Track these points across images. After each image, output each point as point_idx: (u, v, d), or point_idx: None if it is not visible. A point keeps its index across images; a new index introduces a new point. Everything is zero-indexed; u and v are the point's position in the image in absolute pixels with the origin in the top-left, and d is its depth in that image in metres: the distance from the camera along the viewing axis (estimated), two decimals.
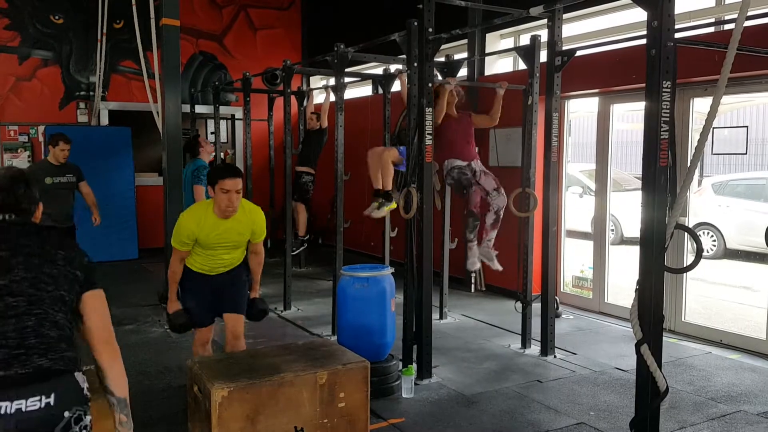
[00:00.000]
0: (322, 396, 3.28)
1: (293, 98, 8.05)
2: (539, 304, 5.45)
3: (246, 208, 3.97)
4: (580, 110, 8.68)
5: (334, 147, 6.04)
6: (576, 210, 8.91)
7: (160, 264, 7.09)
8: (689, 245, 5.96)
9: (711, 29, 5.33)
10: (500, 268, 6.05)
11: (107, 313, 2.17)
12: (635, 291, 3.08)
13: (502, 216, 5.91)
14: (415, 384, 4.63)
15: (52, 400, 1.88)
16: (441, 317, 6.50)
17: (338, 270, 5.49)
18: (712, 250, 9.63)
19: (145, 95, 7.45)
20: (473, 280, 7.79)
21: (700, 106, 5.88)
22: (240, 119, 10.87)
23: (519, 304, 5.67)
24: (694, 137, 5.82)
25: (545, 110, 5.32)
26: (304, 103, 9.22)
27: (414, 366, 4.75)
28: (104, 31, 9.18)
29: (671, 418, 4.10)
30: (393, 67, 7.13)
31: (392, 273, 4.88)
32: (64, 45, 10.20)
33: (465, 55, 7.88)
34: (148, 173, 10.81)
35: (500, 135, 7.37)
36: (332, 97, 7.04)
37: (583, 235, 8.35)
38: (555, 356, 5.38)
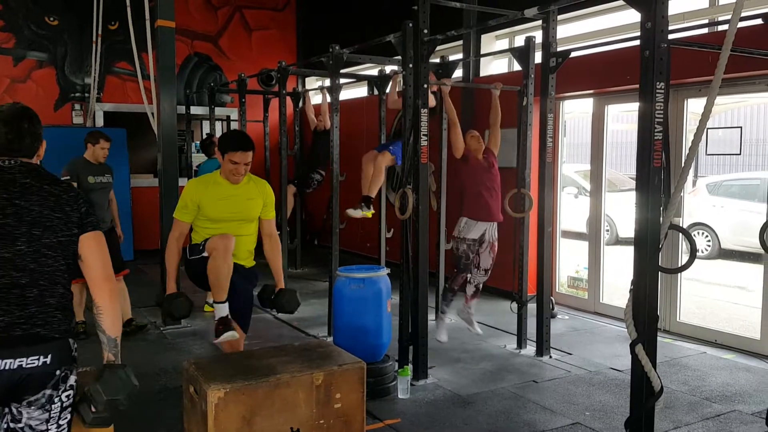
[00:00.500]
0: (318, 397, 3.28)
1: (289, 99, 8.05)
2: (535, 305, 5.47)
3: (254, 180, 3.89)
4: (575, 111, 8.71)
5: (330, 148, 6.04)
6: (571, 210, 8.93)
7: (156, 265, 7.08)
8: (683, 245, 5.99)
9: (705, 30, 5.36)
10: (480, 332, 5.77)
11: (106, 253, 2.30)
12: (630, 291, 3.08)
13: (481, 289, 5.73)
14: (411, 384, 4.64)
15: (48, 359, 2.11)
16: (437, 318, 6.50)
17: (334, 271, 5.50)
18: (706, 250, 9.66)
19: (140, 96, 7.45)
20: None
21: (694, 106, 5.91)
22: (235, 120, 10.87)
23: (514, 305, 5.68)
24: (688, 138, 5.85)
25: (540, 111, 5.33)
26: (300, 104, 9.22)
27: (410, 366, 4.75)
28: (99, 32, 9.15)
29: (666, 417, 4.12)
30: (388, 68, 7.14)
31: (388, 274, 4.89)
32: (59, 46, 10.18)
33: (460, 56, 7.90)
34: (143, 175, 10.80)
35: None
36: (327, 98, 7.05)
37: (578, 236, 8.37)
38: (550, 356, 5.39)
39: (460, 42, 8.05)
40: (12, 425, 2.13)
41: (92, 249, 2.26)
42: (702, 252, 9.49)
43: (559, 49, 5.18)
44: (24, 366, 2.08)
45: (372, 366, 4.28)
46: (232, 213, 3.78)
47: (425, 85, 4.73)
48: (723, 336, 5.77)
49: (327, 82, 7.34)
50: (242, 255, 3.89)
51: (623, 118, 11.47)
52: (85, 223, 2.25)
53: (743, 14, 3.00)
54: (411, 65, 4.81)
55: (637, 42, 3.01)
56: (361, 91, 10.25)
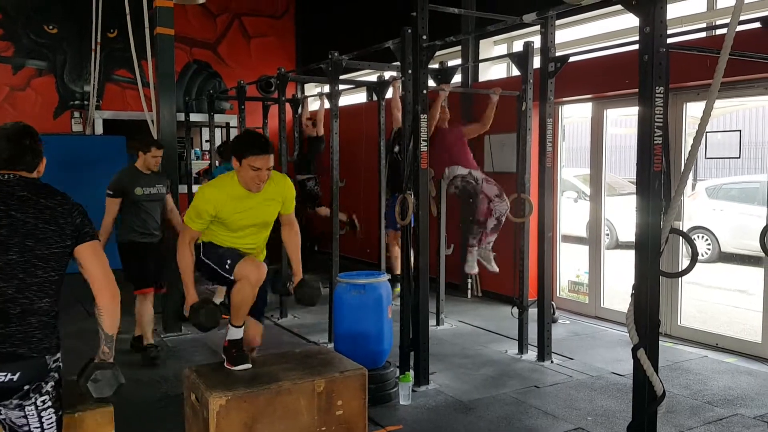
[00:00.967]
0: (319, 404, 3.28)
1: (288, 106, 8.05)
2: (536, 310, 5.46)
3: (275, 179, 3.55)
4: (574, 115, 8.71)
5: (329, 154, 6.05)
6: (571, 215, 8.93)
7: None
8: (684, 249, 5.98)
9: (703, 34, 5.37)
10: (497, 270, 6.19)
11: (104, 261, 2.38)
12: (631, 295, 3.08)
13: (503, 221, 6.03)
14: (413, 391, 4.62)
15: (16, 377, 2.17)
16: (438, 323, 6.50)
17: (334, 277, 5.49)
18: (706, 253, 9.66)
19: (139, 104, 7.45)
20: (470, 286, 7.78)
21: (694, 110, 5.92)
22: (235, 127, 10.88)
23: (515, 310, 5.67)
24: (687, 141, 5.85)
25: (539, 116, 5.34)
26: (299, 110, 9.23)
27: (411, 373, 4.75)
28: (98, 40, 9.16)
29: (668, 422, 4.11)
30: (387, 74, 7.15)
31: (389, 280, 4.89)
32: (58, 54, 10.19)
33: (459, 61, 7.91)
34: None
35: (495, 141, 7.39)
36: (326, 104, 7.06)
37: (578, 240, 8.36)
38: (552, 361, 5.38)
39: (459, 47, 8.06)
40: None
41: (90, 259, 2.34)
42: (702, 256, 9.48)
43: (557, 54, 5.18)
44: None
45: (373, 372, 4.27)
46: (251, 222, 3.59)
47: (424, 91, 4.74)
48: (724, 339, 5.76)
49: (326, 89, 7.35)
50: (257, 252, 3.78)
51: (622, 122, 11.48)
52: (81, 234, 2.32)
53: (742, 18, 3.00)
54: (410, 71, 4.82)
55: (636, 46, 3.02)
56: (360, 98, 10.26)
